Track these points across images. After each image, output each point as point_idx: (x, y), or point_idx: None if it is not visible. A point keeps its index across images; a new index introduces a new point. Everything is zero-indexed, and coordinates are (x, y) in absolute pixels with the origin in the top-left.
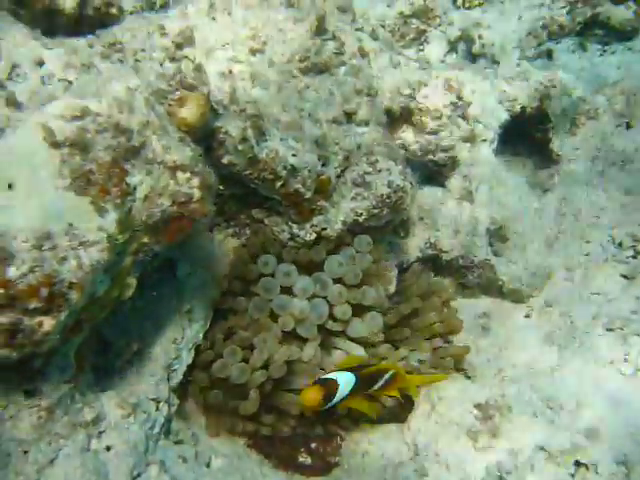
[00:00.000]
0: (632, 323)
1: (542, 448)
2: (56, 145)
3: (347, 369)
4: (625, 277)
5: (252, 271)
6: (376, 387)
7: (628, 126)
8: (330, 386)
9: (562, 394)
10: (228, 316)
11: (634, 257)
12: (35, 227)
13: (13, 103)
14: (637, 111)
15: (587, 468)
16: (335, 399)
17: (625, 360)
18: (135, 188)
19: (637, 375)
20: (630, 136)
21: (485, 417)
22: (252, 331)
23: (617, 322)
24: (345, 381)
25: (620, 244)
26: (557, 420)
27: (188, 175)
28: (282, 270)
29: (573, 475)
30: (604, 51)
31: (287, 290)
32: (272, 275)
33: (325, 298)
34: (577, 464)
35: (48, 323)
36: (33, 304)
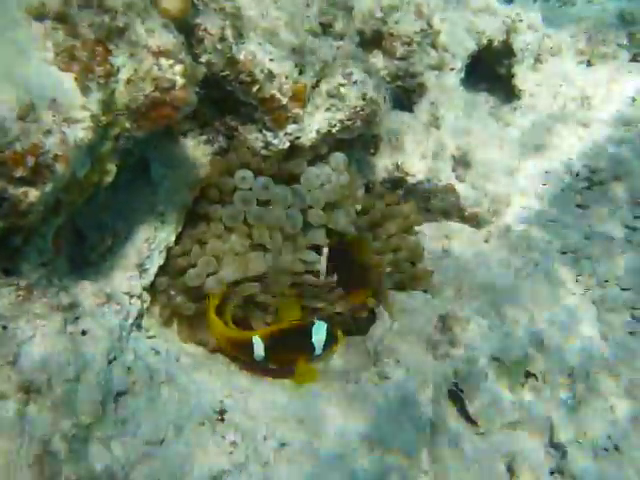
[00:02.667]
0: (584, 247)
1: (496, 359)
2: (40, 17)
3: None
4: (580, 206)
5: (228, 184)
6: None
7: (589, 64)
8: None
9: (517, 310)
10: (198, 223)
11: (589, 188)
12: (19, 98)
13: None
14: (597, 50)
15: (536, 378)
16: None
17: (576, 281)
18: (118, 70)
19: (586, 294)
20: (590, 74)
21: (445, 328)
22: (224, 240)
23: (571, 247)
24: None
25: (577, 175)
26: (511, 333)
27: (172, 62)
28: (260, 182)
29: (523, 384)
30: (564, 3)
31: (264, 203)
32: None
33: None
34: (527, 374)
35: (33, 194)
36: (19, 172)
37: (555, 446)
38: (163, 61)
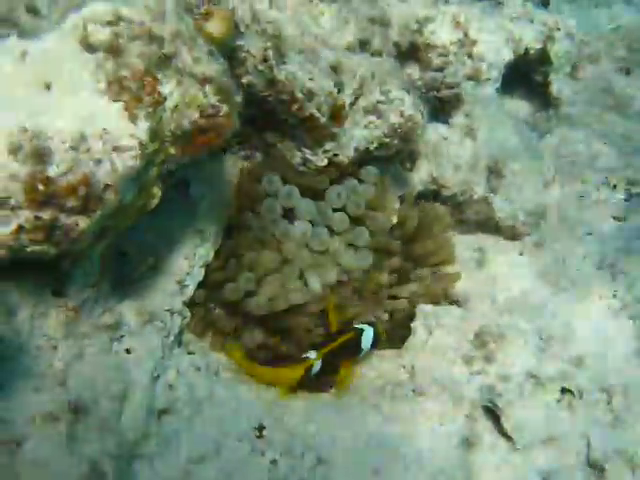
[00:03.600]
0: (621, 261)
1: (532, 375)
2: (91, 49)
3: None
4: (617, 218)
5: (257, 190)
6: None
7: (627, 72)
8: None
9: (553, 326)
10: (234, 233)
11: (626, 200)
12: (72, 129)
13: (33, 10)
14: (637, 57)
15: (572, 394)
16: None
17: (614, 297)
18: (166, 98)
19: (623, 310)
20: (629, 82)
21: (480, 344)
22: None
23: (607, 261)
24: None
25: (614, 187)
26: (547, 349)
27: (216, 88)
28: (285, 191)
29: (559, 401)
30: (598, 3)
31: (289, 212)
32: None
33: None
34: (563, 391)
35: (84, 222)
36: (71, 202)
37: (592, 465)
38: (208, 87)
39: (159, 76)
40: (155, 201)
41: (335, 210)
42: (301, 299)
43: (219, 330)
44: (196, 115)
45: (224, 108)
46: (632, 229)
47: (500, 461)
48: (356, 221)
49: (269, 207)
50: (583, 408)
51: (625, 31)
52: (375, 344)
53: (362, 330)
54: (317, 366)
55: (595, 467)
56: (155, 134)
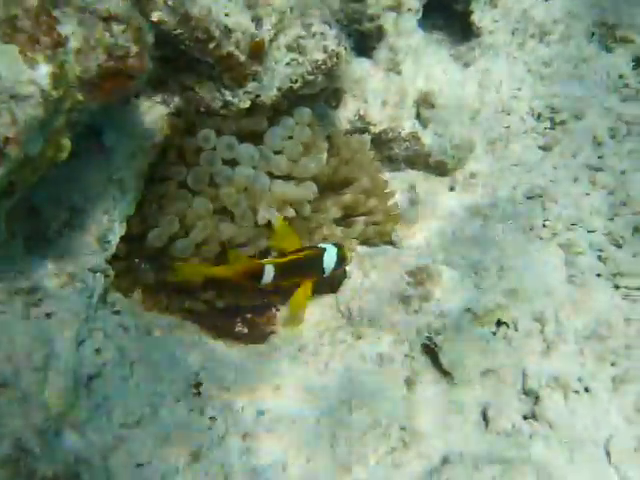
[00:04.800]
0: (549, 191)
1: (468, 309)
2: None
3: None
4: (543, 148)
5: (189, 144)
6: None
7: None
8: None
9: (486, 260)
10: (158, 186)
11: (552, 128)
12: None
13: None
14: None
15: (507, 326)
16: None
17: (544, 226)
18: (67, 39)
19: (553, 239)
20: (548, 8)
21: (416, 282)
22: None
23: (536, 190)
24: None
25: (539, 116)
26: (481, 283)
27: (124, 27)
28: (224, 142)
29: (495, 333)
30: None
31: (228, 163)
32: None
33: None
34: (499, 323)
35: None
36: None
37: (527, 392)
38: (115, 26)
39: (57, 15)
40: (65, 152)
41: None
42: (235, 234)
43: (147, 286)
44: (103, 57)
45: (134, 48)
46: (558, 157)
47: (439, 397)
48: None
49: (209, 160)
50: (518, 339)
51: None
52: (340, 265)
53: (324, 249)
54: (269, 275)
55: (530, 395)
56: (58, 79)
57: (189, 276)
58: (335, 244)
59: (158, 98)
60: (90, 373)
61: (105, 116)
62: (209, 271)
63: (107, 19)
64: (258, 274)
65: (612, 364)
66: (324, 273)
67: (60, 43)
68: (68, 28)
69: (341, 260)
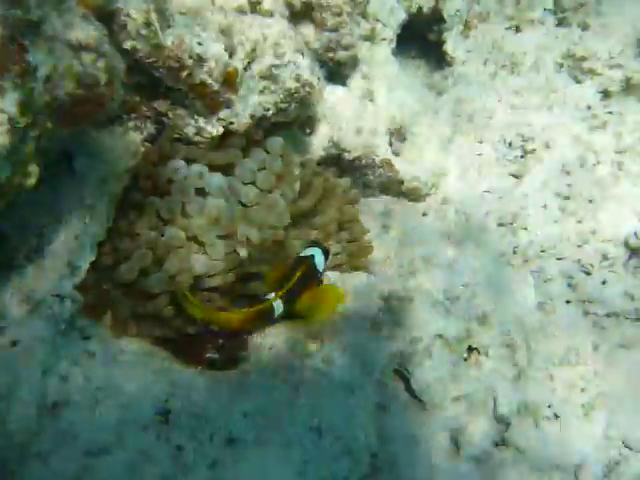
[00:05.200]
0: (519, 218)
1: (439, 336)
2: None
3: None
4: (514, 176)
5: (161, 174)
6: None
7: (517, 29)
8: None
9: (457, 285)
10: (129, 214)
11: (522, 156)
12: None
13: None
14: (525, 15)
15: (478, 352)
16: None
17: (514, 252)
18: (36, 68)
19: (524, 266)
20: (519, 39)
21: (388, 309)
22: (159, 232)
23: (507, 217)
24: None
25: (510, 144)
26: (453, 310)
27: (94, 56)
28: (196, 171)
29: (466, 359)
30: None
31: (199, 191)
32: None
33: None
34: (469, 349)
35: None
36: None
37: (498, 418)
38: (84, 55)
39: (26, 44)
40: (33, 179)
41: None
42: (208, 267)
43: (117, 312)
44: (72, 85)
45: (103, 77)
46: (529, 185)
47: (411, 422)
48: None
49: (182, 189)
50: (489, 364)
51: None
52: (327, 259)
53: (312, 255)
54: (279, 308)
55: (501, 421)
56: (26, 107)
57: (196, 314)
58: (314, 244)
59: (131, 124)
60: (55, 401)
61: (77, 141)
62: (218, 319)
63: (77, 48)
64: (269, 312)
65: (582, 390)
66: (321, 274)
67: (28, 71)
68: (38, 57)
69: (327, 255)
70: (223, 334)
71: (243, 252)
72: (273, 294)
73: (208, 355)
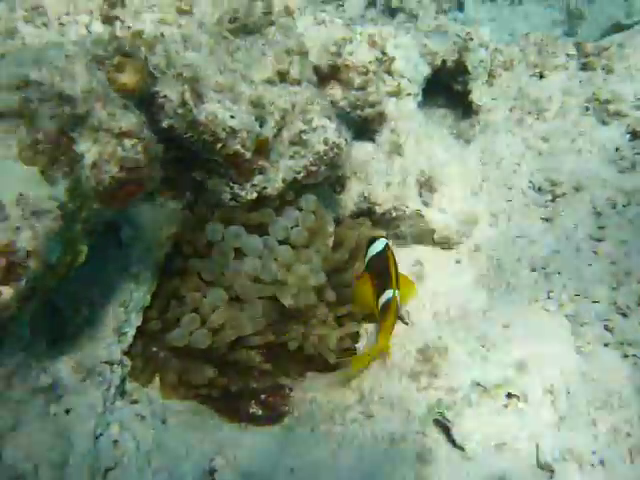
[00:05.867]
0: (553, 262)
1: (478, 384)
2: (1, 116)
3: None
4: (545, 220)
5: (200, 238)
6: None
7: (541, 76)
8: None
9: (493, 332)
10: (174, 278)
11: (552, 201)
12: None
13: None
14: (549, 61)
15: (518, 399)
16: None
17: (549, 297)
18: (83, 156)
19: (559, 310)
20: (543, 85)
21: (425, 359)
22: (202, 293)
23: (539, 262)
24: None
25: (539, 189)
26: (490, 357)
27: (134, 141)
28: (232, 232)
29: (506, 406)
30: (512, 1)
31: (237, 251)
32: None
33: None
34: (509, 396)
35: (8, 292)
36: None
37: (542, 466)
38: (126, 141)
39: (74, 135)
40: (82, 257)
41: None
42: (252, 329)
43: (166, 375)
44: (116, 169)
45: (143, 159)
46: (560, 229)
47: (454, 472)
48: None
49: (221, 251)
50: (529, 411)
51: (535, 37)
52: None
53: (385, 242)
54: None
55: (545, 468)
56: (74, 192)
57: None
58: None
59: (171, 194)
60: (108, 465)
61: (122, 213)
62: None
63: (119, 135)
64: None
65: (627, 435)
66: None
67: (76, 160)
68: (84, 146)
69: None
70: (264, 389)
71: (287, 301)
72: (391, 290)
73: (252, 411)
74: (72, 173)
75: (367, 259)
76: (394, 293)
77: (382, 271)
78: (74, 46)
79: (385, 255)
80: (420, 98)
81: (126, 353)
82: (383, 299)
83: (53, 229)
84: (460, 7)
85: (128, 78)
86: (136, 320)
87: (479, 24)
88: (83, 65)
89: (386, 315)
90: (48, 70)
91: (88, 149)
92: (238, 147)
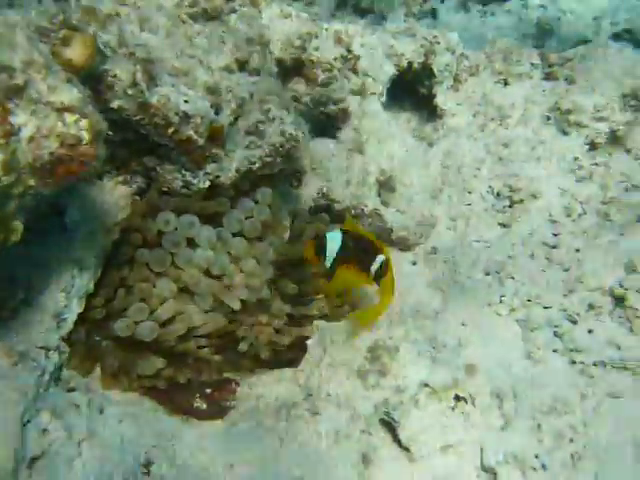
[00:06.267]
0: (507, 267)
1: (426, 385)
2: None
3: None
4: (502, 225)
5: (151, 227)
6: (372, 271)
7: (506, 83)
8: (320, 241)
9: (445, 334)
10: (122, 266)
11: (510, 206)
12: None
13: None
14: (513, 69)
15: (465, 401)
16: (327, 255)
17: (501, 301)
18: (20, 129)
19: (511, 315)
20: (507, 92)
21: (374, 357)
22: (151, 284)
23: (494, 266)
24: (332, 238)
25: (498, 194)
26: (440, 358)
27: (76, 117)
28: (185, 221)
29: (453, 408)
30: (484, 12)
31: (189, 241)
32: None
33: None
34: (457, 398)
35: None
36: None
37: (486, 469)
38: (67, 116)
39: (10, 106)
40: (16, 235)
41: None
42: (201, 321)
43: (107, 364)
44: (55, 145)
45: (86, 136)
46: (516, 234)
47: (398, 473)
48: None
49: (173, 241)
50: (476, 414)
51: (501, 44)
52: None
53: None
54: None
55: (489, 471)
56: (9, 166)
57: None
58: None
59: (121, 178)
60: (34, 454)
61: (68, 196)
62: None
63: (60, 110)
64: None
65: (570, 440)
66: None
67: (12, 132)
68: (21, 118)
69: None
70: (211, 383)
71: (236, 305)
72: (380, 255)
73: (196, 405)
74: (7, 146)
75: (330, 253)
76: (386, 253)
77: (360, 247)
78: (16, 15)
79: (352, 235)
80: (384, 98)
81: (66, 340)
82: (376, 265)
83: None
84: (434, 15)
85: (74, 53)
86: (77, 307)
87: (448, 30)
88: (24, 35)
89: (385, 275)
90: None
91: (25, 122)
92: (191, 133)
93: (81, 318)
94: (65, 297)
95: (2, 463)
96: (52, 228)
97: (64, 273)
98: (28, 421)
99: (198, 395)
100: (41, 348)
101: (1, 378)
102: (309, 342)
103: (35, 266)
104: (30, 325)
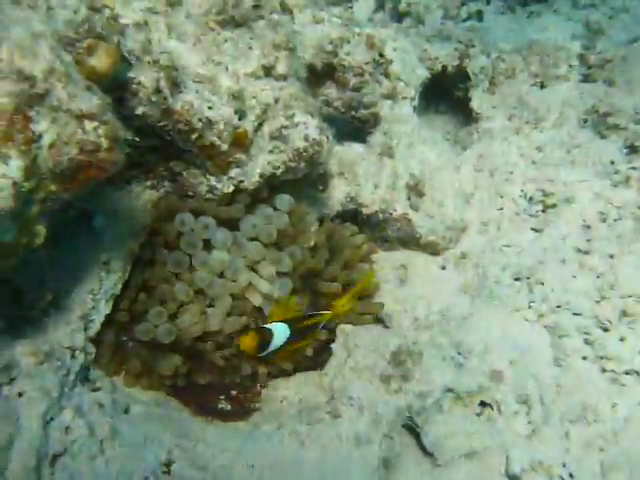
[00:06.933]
0: (537, 272)
1: (450, 390)
2: None
3: (283, 320)
4: (534, 230)
5: (169, 228)
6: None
7: (542, 86)
8: (265, 335)
9: (471, 340)
10: (146, 268)
11: (543, 211)
12: None
13: None
14: (550, 72)
15: (491, 407)
16: (270, 348)
17: (530, 307)
18: (41, 136)
19: (539, 321)
20: (543, 95)
21: (398, 362)
22: (172, 285)
23: (524, 272)
24: (280, 331)
25: (531, 199)
26: (465, 364)
27: (96, 124)
28: (201, 222)
29: (479, 414)
30: (531, 13)
31: (205, 243)
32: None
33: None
34: (482, 404)
35: None
36: None
37: (511, 476)
38: (87, 123)
39: (32, 114)
40: (39, 239)
41: (250, 239)
42: (218, 325)
43: (132, 363)
44: (75, 151)
45: (105, 143)
46: (548, 240)
47: (421, 479)
48: (274, 245)
49: (189, 243)
50: (502, 421)
51: (538, 47)
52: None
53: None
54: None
55: (513, 479)
56: (30, 172)
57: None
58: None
59: (148, 183)
60: (57, 451)
61: (97, 200)
62: None
63: (79, 117)
64: None
65: (600, 450)
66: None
67: (33, 139)
68: (42, 126)
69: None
70: (236, 385)
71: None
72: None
73: (220, 406)
74: (29, 152)
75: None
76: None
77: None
78: (42, 25)
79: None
80: (416, 102)
81: (94, 341)
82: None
83: (4, 207)
84: (479, 17)
85: (99, 61)
86: (105, 308)
87: (485, 32)
88: (48, 45)
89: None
90: (8, 47)
91: (46, 129)
92: (214, 138)
93: (110, 320)
94: (92, 299)
95: (24, 459)
96: (81, 232)
97: (92, 275)
98: (52, 419)
99: (223, 397)
100: (67, 348)
101: (26, 377)
102: (334, 345)
103: (64, 269)
104: (57, 326)
